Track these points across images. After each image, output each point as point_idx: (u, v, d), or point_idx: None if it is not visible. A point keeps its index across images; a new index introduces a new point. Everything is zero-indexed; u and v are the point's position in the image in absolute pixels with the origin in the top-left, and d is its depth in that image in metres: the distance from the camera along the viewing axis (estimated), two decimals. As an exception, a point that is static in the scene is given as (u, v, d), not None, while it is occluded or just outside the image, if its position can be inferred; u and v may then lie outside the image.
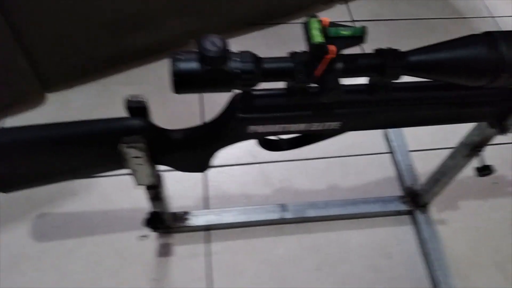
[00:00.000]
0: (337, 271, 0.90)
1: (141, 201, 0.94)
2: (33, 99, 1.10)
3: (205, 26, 1.20)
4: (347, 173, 1.04)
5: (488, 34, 0.54)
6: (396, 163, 1.05)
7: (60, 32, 0.99)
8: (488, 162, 1.11)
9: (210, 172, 1.01)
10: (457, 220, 0.99)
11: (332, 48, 0.47)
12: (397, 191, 1.02)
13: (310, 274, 0.89)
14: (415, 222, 0.96)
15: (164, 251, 0.90)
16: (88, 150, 0.59)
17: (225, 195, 0.98)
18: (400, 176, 1.03)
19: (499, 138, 1.15)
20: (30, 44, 0.97)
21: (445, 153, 0.85)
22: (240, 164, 1.03)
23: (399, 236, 0.96)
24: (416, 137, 1.11)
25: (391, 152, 1.08)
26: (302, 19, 1.40)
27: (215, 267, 0.88)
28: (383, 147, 1.10)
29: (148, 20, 1.09)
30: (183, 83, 0.49)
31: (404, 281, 0.90)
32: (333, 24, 0.50)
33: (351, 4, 1.41)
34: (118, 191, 0.96)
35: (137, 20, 1.08)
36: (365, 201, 0.96)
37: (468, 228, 0.99)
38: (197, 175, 1.00)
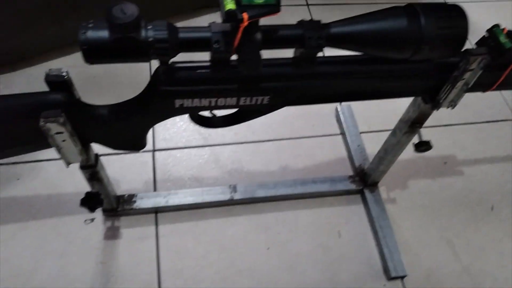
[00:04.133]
0: (286, 250, 0.90)
1: (85, 186, 0.93)
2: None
3: (153, 6, 1.17)
4: (298, 155, 1.04)
5: (409, 6, 0.54)
6: (347, 144, 1.06)
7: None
8: (437, 142, 1.13)
9: (159, 155, 1.01)
10: (406, 199, 1.01)
11: (244, 15, 0.47)
12: (349, 171, 1.03)
13: (260, 253, 0.89)
14: (364, 201, 0.97)
15: (111, 234, 0.88)
16: (6, 127, 0.58)
17: (174, 178, 0.97)
18: (350, 157, 1.04)
19: (450, 120, 1.17)
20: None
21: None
22: (190, 147, 1.03)
23: (348, 215, 0.97)
24: (367, 119, 1.12)
25: (342, 134, 1.09)
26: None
27: (163, 250, 0.87)
28: (335, 129, 1.10)
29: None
30: (93, 52, 0.47)
31: (353, 259, 0.91)
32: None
33: (307, -12, 1.41)
34: (62, 175, 0.94)
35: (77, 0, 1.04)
36: (314, 181, 0.96)
37: (417, 207, 1.00)
38: (145, 159, 0.99)
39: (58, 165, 0.95)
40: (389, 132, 0.86)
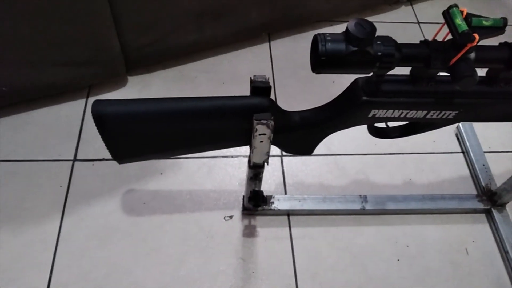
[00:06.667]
0: (416, 263, 0.92)
1: (222, 184, 0.99)
2: (118, 81, 1.14)
3: (277, 20, 1.24)
4: (422, 170, 1.06)
5: None
6: (470, 163, 1.06)
7: (150, 17, 1.03)
8: None
9: (286, 160, 1.05)
10: (532, 222, 1.00)
11: (476, 36, 0.50)
12: (471, 190, 1.03)
13: (390, 264, 0.91)
14: (492, 221, 0.97)
15: (249, 232, 0.93)
16: (216, 124, 0.63)
17: (302, 183, 1.01)
18: (474, 175, 1.04)
19: None
20: (123, 27, 1.01)
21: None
22: (314, 154, 1.05)
23: (474, 233, 0.97)
24: (486, 139, 1.12)
25: (463, 152, 1.09)
26: (369, 18, 1.42)
27: (297, 251, 0.91)
28: (456, 147, 1.11)
29: (230, 10, 1.12)
30: (328, 62, 0.51)
31: (482, 278, 0.91)
32: (470, 15, 0.52)
33: (415, 6, 1.43)
34: (201, 173, 1.00)
35: (219, 10, 1.11)
36: (443, 197, 0.97)
37: (544, 231, 0.99)
38: (275, 162, 1.03)
39: (196, 163, 1.01)
40: (509, 153, 0.87)
